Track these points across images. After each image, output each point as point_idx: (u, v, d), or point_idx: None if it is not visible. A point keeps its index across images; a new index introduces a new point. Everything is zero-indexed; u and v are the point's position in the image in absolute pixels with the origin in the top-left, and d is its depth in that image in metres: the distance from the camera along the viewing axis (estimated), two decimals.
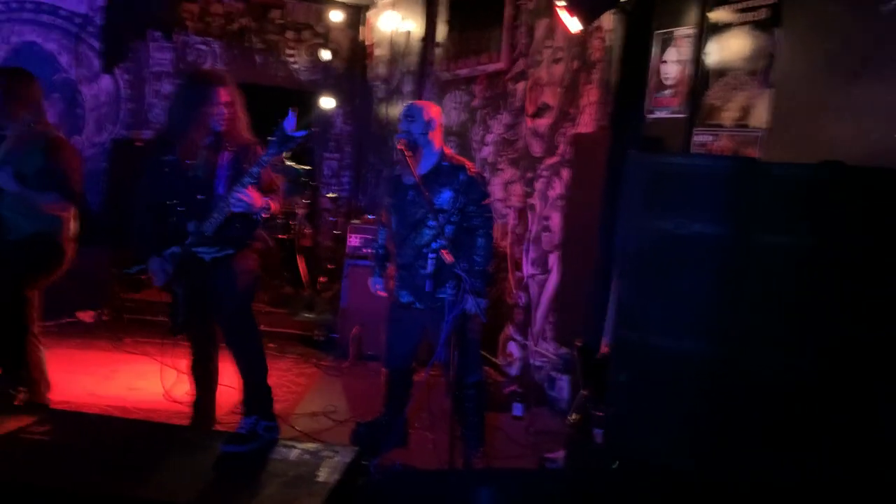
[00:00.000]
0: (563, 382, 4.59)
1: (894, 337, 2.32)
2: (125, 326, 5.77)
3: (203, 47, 7.85)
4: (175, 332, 3.58)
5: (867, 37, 2.80)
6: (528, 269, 5.13)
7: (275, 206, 3.41)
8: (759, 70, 3.30)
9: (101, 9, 7.16)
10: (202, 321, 3.58)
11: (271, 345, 5.56)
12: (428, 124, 3.46)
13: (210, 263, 3.41)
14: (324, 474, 2.94)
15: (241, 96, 3.46)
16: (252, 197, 3.24)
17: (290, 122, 3.15)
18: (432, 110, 3.52)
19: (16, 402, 3.59)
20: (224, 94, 3.35)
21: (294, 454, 3.14)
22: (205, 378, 3.79)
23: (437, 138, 3.52)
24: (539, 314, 4.96)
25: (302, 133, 3.16)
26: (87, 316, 5.87)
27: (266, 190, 3.38)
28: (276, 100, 5.13)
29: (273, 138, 3.18)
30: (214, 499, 2.83)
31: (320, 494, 2.78)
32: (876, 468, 2.21)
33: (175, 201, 3.40)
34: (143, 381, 4.55)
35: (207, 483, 2.92)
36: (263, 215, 3.35)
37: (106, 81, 7.42)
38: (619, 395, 2.56)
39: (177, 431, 3.48)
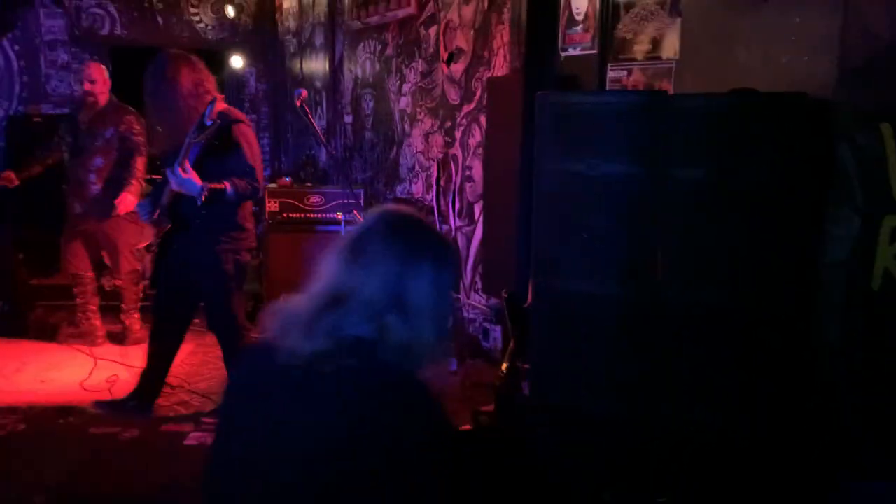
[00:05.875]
0: (497, 333, 4.53)
1: (816, 265, 2.29)
2: (34, 314, 5.42)
3: (98, 11, 7.36)
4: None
5: None
6: (454, 221, 5.01)
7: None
8: None
9: None
10: (171, 297, 3.65)
11: (196, 321, 5.33)
12: None
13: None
14: None
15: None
16: (191, 174, 3.20)
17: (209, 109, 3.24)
18: None
19: None
20: None
21: None
22: (160, 354, 3.73)
23: None
24: (468, 266, 4.86)
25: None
26: None
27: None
28: None
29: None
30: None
31: None
32: (803, 401, 2.18)
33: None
34: (56, 372, 4.30)
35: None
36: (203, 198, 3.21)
37: None
38: (541, 344, 2.48)
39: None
